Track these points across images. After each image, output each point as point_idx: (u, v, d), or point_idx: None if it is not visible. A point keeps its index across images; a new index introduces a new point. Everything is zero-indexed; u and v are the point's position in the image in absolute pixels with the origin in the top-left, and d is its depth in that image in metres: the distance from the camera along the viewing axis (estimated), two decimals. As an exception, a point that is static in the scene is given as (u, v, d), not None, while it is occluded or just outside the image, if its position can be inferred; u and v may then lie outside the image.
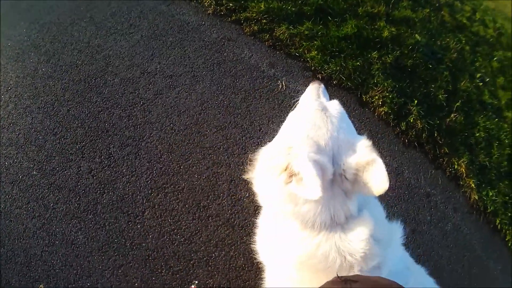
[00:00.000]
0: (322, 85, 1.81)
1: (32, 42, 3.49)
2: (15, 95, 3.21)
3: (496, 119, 4.43)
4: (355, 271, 1.40)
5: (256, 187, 1.63)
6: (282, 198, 1.42)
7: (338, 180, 1.40)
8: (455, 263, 3.38)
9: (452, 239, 3.48)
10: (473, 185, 3.73)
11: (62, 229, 2.75)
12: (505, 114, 4.65)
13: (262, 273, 1.99)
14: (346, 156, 1.41)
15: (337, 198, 1.40)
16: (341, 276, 1.03)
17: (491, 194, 3.80)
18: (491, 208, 3.75)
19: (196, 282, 2.69)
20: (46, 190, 2.86)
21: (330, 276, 1.31)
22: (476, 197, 3.72)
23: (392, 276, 1.52)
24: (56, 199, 2.83)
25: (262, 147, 1.68)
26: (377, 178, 1.35)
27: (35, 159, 2.96)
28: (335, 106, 1.61)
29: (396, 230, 1.69)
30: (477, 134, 4.09)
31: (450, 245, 3.45)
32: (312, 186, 1.21)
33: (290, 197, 1.39)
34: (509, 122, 4.61)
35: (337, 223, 1.41)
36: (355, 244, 1.39)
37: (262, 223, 1.80)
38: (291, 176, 1.33)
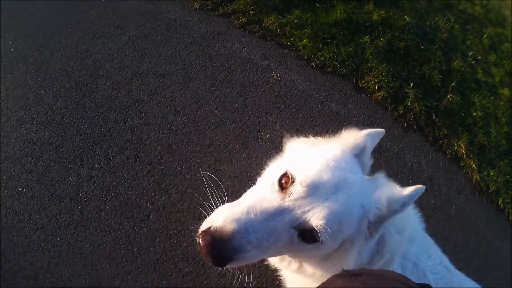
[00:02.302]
0: None
1: (19, 53, 3.29)
2: (6, 108, 3.03)
3: (492, 97, 4.38)
4: None
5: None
6: None
7: None
8: (462, 245, 3.34)
9: (457, 221, 3.43)
10: (474, 165, 3.70)
11: (67, 239, 2.60)
12: (500, 92, 4.60)
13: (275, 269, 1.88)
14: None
15: None
16: (347, 270, 0.95)
17: (492, 173, 3.78)
18: (493, 188, 3.73)
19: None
20: (48, 201, 2.71)
21: None
22: (478, 178, 3.68)
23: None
24: (58, 209, 2.69)
25: None
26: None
27: (33, 171, 2.80)
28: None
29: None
30: (474, 114, 4.05)
31: (456, 228, 3.40)
32: None
33: None
34: (505, 99, 4.56)
35: None
36: None
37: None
38: None
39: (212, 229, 1.12)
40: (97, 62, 3.25)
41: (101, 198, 2.75)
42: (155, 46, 3.40)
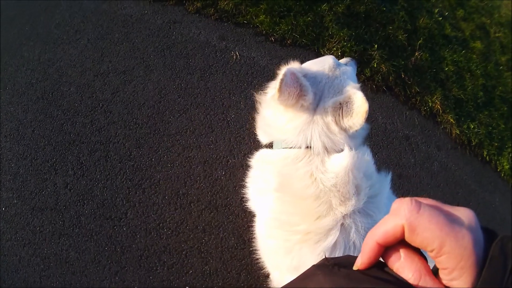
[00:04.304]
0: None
1: (-14, 76, 3.18)
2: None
3: (463, 51, 4.22)
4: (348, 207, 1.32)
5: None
6: (272, 112, 1.49)
7: (321, 112, 1.41)
8: (450, 202, 3.20)
9: (442, 178, 3.32)
10: (452, 120, 3.58)
11: (53, 250, 2.51)
12: (472, 45, 4.43)
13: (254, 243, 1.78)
14: (333, 95, 1.46)
15: (316, 126, 1.39)
16: (329, 258, 0.80)
17: (472, 126, 3.66)
18: (476, 141, 3.62)
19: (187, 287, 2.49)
20: (30, 215, 2.60)
21: (311, 209, 1.31)
22: (458, 132, 3.57)
23: None
24: (41, 221, 2.59)
25: None
26: (356, 104, 1.43)
27: (13, 188, 2.69)
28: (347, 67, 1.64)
29: (384, 179, 1.56)
30: (446, 69, 3.90)
31: (441, 185, 3.29)
32: (274, 87, 1.32)
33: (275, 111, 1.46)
34: (478, 52, 4.40)
35: (315, 152, 1.38)
36: (329, 175, 1.34)
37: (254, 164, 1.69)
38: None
39: None
40: (59, 70, 3.12)
41: (78, 204, 2.64)
42: (114, 44, 3.25)
